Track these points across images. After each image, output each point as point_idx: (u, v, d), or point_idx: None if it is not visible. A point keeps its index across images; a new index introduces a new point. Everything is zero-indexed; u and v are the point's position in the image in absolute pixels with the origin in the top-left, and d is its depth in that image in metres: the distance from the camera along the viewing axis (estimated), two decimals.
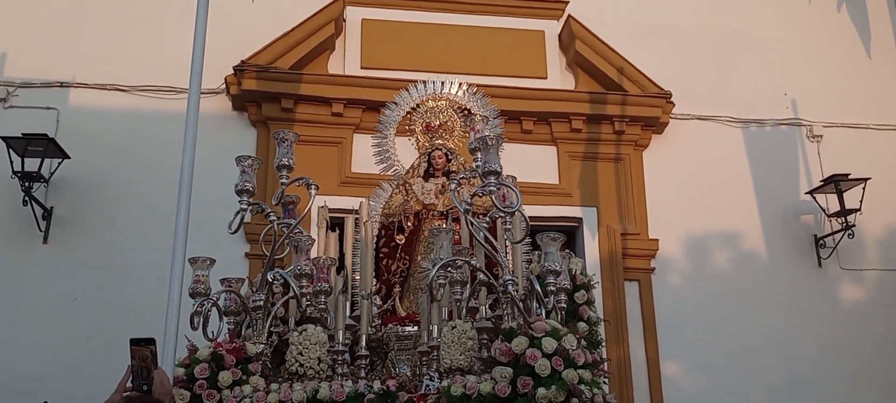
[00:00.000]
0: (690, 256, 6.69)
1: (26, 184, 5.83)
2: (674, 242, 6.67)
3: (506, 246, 4.13)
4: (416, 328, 4.53)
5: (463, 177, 4.34)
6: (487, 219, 4.09)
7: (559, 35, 7.12)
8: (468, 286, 4.10)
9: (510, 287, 3.67)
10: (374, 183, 5.69)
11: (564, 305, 3.88)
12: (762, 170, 6.99)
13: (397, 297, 5.03)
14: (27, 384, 5.59)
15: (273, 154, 4.32)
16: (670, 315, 6.42)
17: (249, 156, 4.10)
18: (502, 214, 3.82)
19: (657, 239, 6.63)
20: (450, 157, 5.38)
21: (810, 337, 6.51)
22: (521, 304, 3.65)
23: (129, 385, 2.49)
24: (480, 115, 4.02)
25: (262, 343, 3.94)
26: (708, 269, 6.66)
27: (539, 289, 3.68)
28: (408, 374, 4.25)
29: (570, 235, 6.62)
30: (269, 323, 4.05)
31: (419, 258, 5.12)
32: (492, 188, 3.69)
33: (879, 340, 6.58)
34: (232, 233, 4.09)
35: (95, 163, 6.21)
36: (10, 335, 5.74)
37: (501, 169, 3.72)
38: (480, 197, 3.94)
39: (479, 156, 3.79)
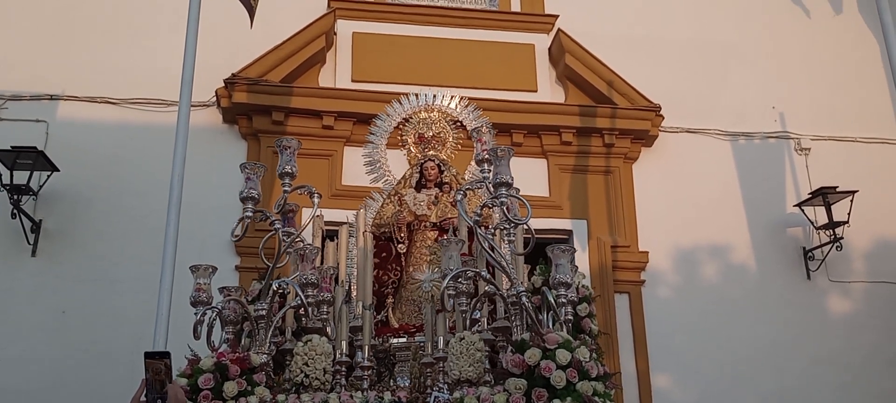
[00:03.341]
0: (680, 268, 6.71)
1: (15, 196, 5.80)
2: (663, 254, 6.69)
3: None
4: (407, 339, 4.54)
5: (468, 188, 4.35)
6: (492, 231, 4.12)
7: (549, 48, 7.16)
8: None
9: (524, 298, 3.68)
10: (365, 195, 5.69)
11: (571, 317, 3.90)
12: (751, 183, 7.02)
13: (390, 308, 5.03)
14: (16, 398, 5.54)
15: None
16: (660, 327, 6.43)
17: (255, 163, 4.11)
18: (508, 226, 3.85)
19: (647, 252, 6.65)
20: (442, 169, 5.39)
21: (799, 349, 6.53)
22: (534, 316, 3.66)
23: (142, 399, 2.49)
24: (486, 127, 4.04)
25: (266, 353, 3.92)
26: (698, 281, 6.68)
27: (552, 301, 3.69)
28: (406, 385, 4.25)
29: None
30: (271, 332, 4.03)
31: (411, 269, 5.12)
32: (503, 199, 3.72)
33: (868, 351, 6.61)
34: (236, 240, 4.09)
35: (85, 175, 6.18)
36: None
37: (512, 180, 3.75)
38: (490, 208, 3.95)
39: (487, 167, 3.82)
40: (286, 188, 4.06)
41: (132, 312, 5.72)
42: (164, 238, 4.47)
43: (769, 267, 6.78)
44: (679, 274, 6.69)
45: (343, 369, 4.01)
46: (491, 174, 3.80)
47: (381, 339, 4.51)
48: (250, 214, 3.99)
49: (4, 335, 5.74)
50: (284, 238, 4.10)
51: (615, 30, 7.37)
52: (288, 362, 4.06)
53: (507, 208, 3.78)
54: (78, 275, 5.95)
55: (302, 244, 4.23)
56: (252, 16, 5.48)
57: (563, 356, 3.40)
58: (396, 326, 4.82)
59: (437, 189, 5.33)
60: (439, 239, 5.04)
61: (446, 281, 3.61)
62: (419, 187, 5.36)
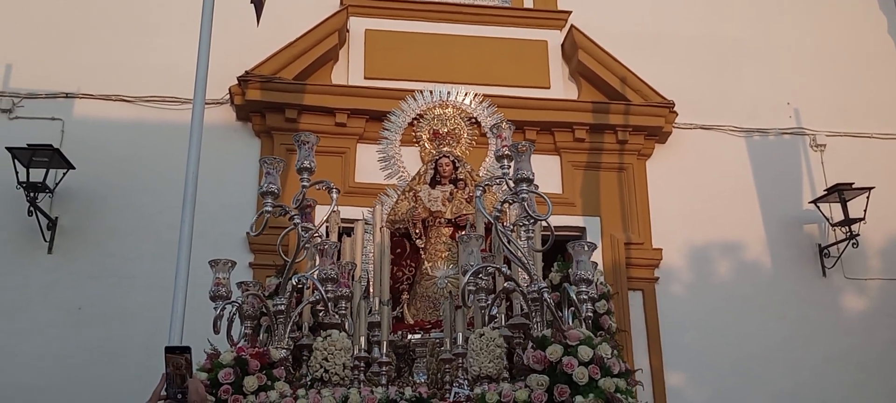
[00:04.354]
0: (694, 266, 6.68)
1: (31, 194, 5.84)
2: (677, 251, 6.66)
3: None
4: (422, 335, 4.55)
5: (487, 184, 4.35)
6: (510, 228, 4.12)
7: (562, 45, 7.14)
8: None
9: (546, 295, 3.68)
10: (378, 192, 5.70)
11: (592, 314, 3.89)
12: (765, 180, 6.98)
13: (405, 304, 5.03)
14: (31, 394, 5.58)
15: None
16: (674, 324, 6.41)
17: (274, 158, 4.10)
18: (527, 222, 3.85)
19: (661, 249, 6.62)
20: (457, 165, 5.38)
21: (814, 347, 6.49)
22: (557, 312, 3.65)
23: (163, 393, 2.51)
24: (506, 124, 4.03)
25: (285, 348, 3.93)
26: (711, 279, 6.65)
27: (574, 298, 3.68)
28: (423, 380, 4.26)
29: None
30: (289, 327, 4.03)
31: (426, 265, 5.12)
32: (524, 196, 3.72)
33: (883, 349, 6.56)
34: (255, 236, 4.10)
35: (100, 173, 6.22)
36: (14, 345, 5.73)
37: (534, 176, 3.74)
38: (511, 204, 3.96)
39: (506, 163, 3.82)
40: (305, 183, 4.05)
41: (146, 309, 5.76)
42: (178, 235, 4.49)
43: (784, 264, 6.74)
44: (693, 271, 6.66)
45: (362, 364, 4.01)
46: (512, 170, 3.79)
47: (399, 335, 4.52)
48: (270, 209, 3.99)
49: (21, 331, 5.78)
50: (303, 233, 4.09)
51: (628, 26, 7.34)
52: (305, 357, 4.07)
53: (527, 204, 3.79)
54: (93, 272, 5.99)
55: (320, 239, 4.23)
56: (259, 14, 5.48)
57: (586, 352, 3.40)
58: (412, 322, 4.82)
59: (451, 185, 5.32)
60: (455, 235, 5.04)
61: (467, 276, 3.61)
62: (434, 183, 5.36)
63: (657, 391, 6.19)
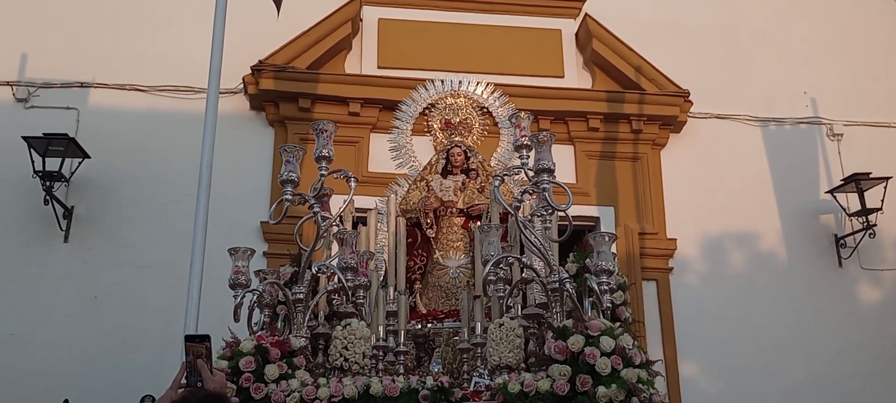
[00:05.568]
0: (709, 256, 6.65)
1: (47, 183, 5.88)
2: (692, 242, 6.63)
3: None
4: (434, 324, 4.55)
5: (506, 174, 4.34)
6: (528, 218, 4.11)
7: (576, 34, 7.10)
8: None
9: (568, 285, 3.67)
10: (391, 181, 5.70)
11: (609, 305, 3.89)
12: (781, 170, 6.93)
13: (418, 294, 5.03)
14: (47, 381, 5.62)
15: None
16: (688, 315, 6.39)
17: (294, 146, 4.09)
18: (545, 213, 3.84)
19: (675, 239, 6.59)
20: (468, 155, 5.37)
21: (829, 338, 6.45)
22: (578, 303, 3.65)
23: (183, 380, 2.52)
24: (525, 113, 4.01)
25: (305, 337, 3.93)
26: (726, 269, 6.62)
27: (596, 288, 3.67)
28: (439, 370, 4.26)
29: None
30: (308, 316, 4.03)
31: (437, 255, 5.12)
32: (545, 186, 3.71)
33: None
34: (274, 224, 4.10)
35: (115, 162, 6.25)
36: (30, 333, 5.78)
37: (554, 166, 3.73)
38: (532, 194, 3.95)
39: (525, 153, 3.81)
40: (323, 171, 4.04)
41: (161, 297, 5.79)
42: (193, 224, 4.50)
43: (799, 254, 6.70)
44: (707, 261, 6.63)
45: (381, 353, 4.01)
46: (532, 160, 3.77)
47: (416, 324, 4.53)
48: (289, 197, 3.98)
49: (36, 319, 5.83)
50: (321, 222, 4.09)
51: (643, 14, 7.29)
52: (321, 346, 4.08)
53: (548, 194, 3.78)
54: (108, 261, 6.03)
55: (338, 228, 4.23)
56: (278, 6, 5.47)
57: (607, 343, 3.39)
58: (424, 312, 4.83)
59: (463, 175, 5.31)
60: (466, 225, 5.03)
61: (487, 266, 3.61)
62: (445, 173, 5.35)
63: (671, 381, 6.17)
